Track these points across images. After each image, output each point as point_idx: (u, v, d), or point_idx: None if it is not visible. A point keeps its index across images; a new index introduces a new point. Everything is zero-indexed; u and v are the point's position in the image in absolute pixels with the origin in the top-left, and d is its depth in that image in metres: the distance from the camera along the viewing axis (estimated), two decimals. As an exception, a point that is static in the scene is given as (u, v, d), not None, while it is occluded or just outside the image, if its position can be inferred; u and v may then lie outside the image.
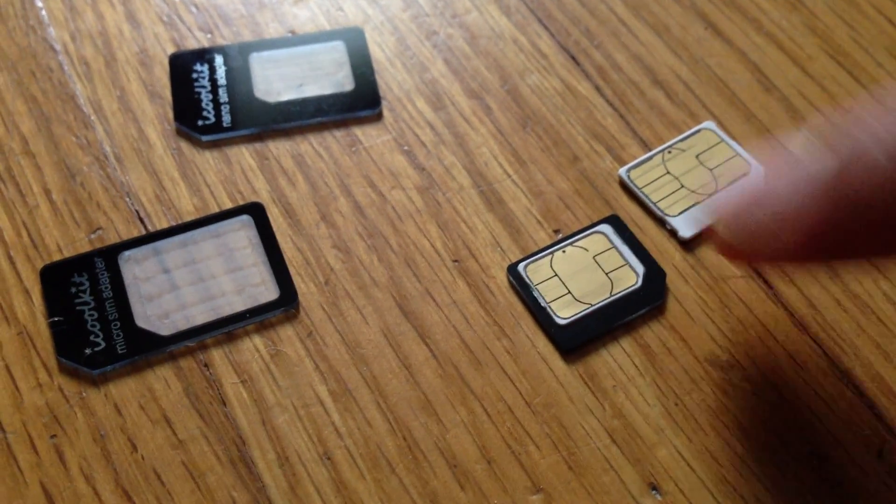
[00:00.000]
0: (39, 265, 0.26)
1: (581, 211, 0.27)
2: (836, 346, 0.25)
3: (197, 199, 0.27)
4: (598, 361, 0.25)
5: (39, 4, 0.31)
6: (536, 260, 0.26)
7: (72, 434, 0.23)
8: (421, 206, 0.27)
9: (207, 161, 0.28)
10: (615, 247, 0.26)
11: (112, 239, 0.26)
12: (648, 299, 0.25)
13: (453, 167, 0.28)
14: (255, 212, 0.27)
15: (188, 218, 0.27)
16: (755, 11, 0.31)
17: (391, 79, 0.30)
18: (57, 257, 0.26)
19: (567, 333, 0.25)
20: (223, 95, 0.29)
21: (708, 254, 0.26)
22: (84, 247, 0.26)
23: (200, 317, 0.25)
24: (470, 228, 0.27)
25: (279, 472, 0.23)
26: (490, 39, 0.31)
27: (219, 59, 0.30)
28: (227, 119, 0.28)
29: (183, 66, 0.30)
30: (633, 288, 0.25)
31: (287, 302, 0.25)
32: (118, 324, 0.25)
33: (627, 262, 0.26)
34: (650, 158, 0.28)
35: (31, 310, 0.25)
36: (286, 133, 0.29)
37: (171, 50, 0.30)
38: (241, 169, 0.28)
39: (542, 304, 0.25)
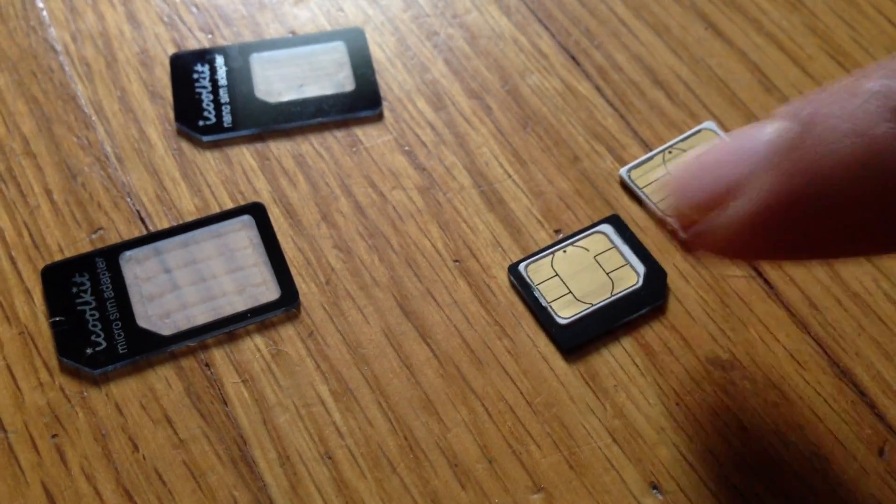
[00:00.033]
0: (41, 265, 0.26)
1: (582, 211, 0.27)
2: (837, 345, 0.25)
3: (198, 199, 0.27)
4: (599, 361, 0.25)
5: (40, 5, 0.31)
6: (537, 260, 0.26)
7: (73, 434, 0.23)
8: (422, 206, 0.27)
9: (208, 161, 0.28)
10: (616, 247, 0.26)
11: (113, 239, 0.26)
12: (649, 299, 0.25)
13: (454, 167, 0.28)
14: (256, 212, 0.27)
15: (189, 218, 0.27)
16: (755, 12, 0.31)
17: (392, 79, 0.30)
18: (58, 257, 0.26)
19: (568, 333, 0.25)
20: (224, 96, 0.29)
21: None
22: (85, 247, 0.26)
23: (201, 317, 0.25)
24: (471, 228, 0.27)
25: (280, 472, 0.23)
26: (490, 40, 0.31)
27: (219, 60, 0.30)
28: (227, 119, 0.28)
29: (184, 66, 0.30)
30: (633, 288, 0.25)
31: (288, 302, 0.25)
32: (119, 324, 0.25)
33: (628, 262, 0.26)
34: (651, 158, 0.28)
35: (33, 310, 0.25)
36: (287, 133, 0.29)
37: (171, 50, 0.30)
38: (242, 169, 0.28)
39: (543, 303, 0.25)
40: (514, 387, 0.24)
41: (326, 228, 0.27)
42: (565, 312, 0.25)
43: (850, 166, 0.16)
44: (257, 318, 0.25)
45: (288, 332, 0.25)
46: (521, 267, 0.26)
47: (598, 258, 0.26)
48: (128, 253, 0.26)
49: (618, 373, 0.24)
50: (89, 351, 0.24)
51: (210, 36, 0.31)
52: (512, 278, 0.26)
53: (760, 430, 0.23)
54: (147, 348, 0.24)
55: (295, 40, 0.30)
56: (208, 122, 0.28)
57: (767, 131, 0.18)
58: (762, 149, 0.18)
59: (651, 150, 0.28)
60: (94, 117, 0.29)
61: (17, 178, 0.27)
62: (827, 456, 0.23)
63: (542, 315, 0.25)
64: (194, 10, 0.31)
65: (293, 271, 0.26)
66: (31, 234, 0.26)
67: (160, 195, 0.27)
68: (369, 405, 0.24)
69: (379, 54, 0.30)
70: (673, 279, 0.26)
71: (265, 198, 0.27)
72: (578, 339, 0.25)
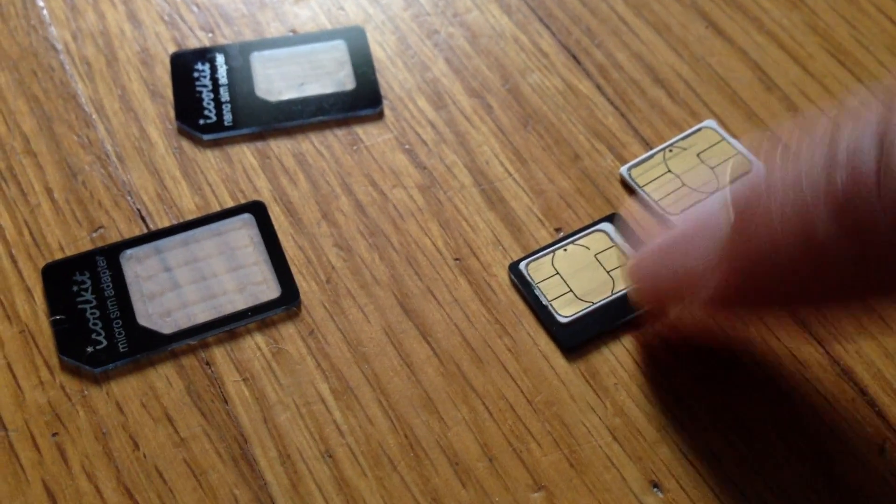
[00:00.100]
0: (41, 264, 0.26)
1: (582, 209, 0.27)
2: (838, 343, 0.25)
3: (198, 197, 0.27)
4: (599, 359, 0.25)
5: (41, 4, 0.31)
6: (538, 258, 0.26)
7: (74, 432, 0.23)
8: (422, 204, 0.27)
9: (209, 160, 0.28)
10: (616, 245, 0.26)
11: (113, 237, 0.26)
12: (650, 297, 0.25)
13: (454, 166, 0.28)
14: (257, 210, 0.27)
15: (189, 216, 0.27)
16: (756, 10, 0.31)
17: (392, 78, 0.30)
18: (58, 256, 0.26)
19: (568, 331, 0.25)
20: (224, 94, 0.29)
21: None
22: (86, 245, 0.26)
23: (202, 315, 0.25)
24: (471, 227, 0.27)
25: (281, 470, 0.23)
26: (491, 38, 0.31)
27: (220, 59, 0.30)
28: (228, 118, 0.28)
29: (184, 65, 0.30)
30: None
31: (288, 300, 0.25)
32: (120, 322, 0.25)
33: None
34: (651, 157, 0.28)
35: (33, 308, 0.25)
36: (287, 132, 0.29)
37: (172, 49, 0.30)
38: (243, 168, 0.28)
39: (544, 302, 0.25)
40: (515, 385, 0.24)
41: (327, 227, 0.27)
42: (566, 311, 0.25)
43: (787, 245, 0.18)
44: (258, 316, 0.25)
45: (288, 330, 0.25)
46: (522, 265, 0.26)
47: (598, 256, 0.26)
48: (128, 251, 0.26)
49: (618, 371, 0.24)
50: (90, 349, 0.24)
51: (211, 35, 0.31)
52: (512, 277, 0.26)
53: (761, 428, 0.23)
54: (148, 347, 0.24)
55: (295, 39, 0.30)
56: (209, 121, 0.28)
57: (716, 223, 0.20)
58: (712, 238, 0.20)
59: (652, 148, 0.28)
60: (94, 116, 0.29)
61: (18, 176, 0.27)
62: (827, 454, 0.23)
63: (542, 313, 0.25)
64: (195, 8, 0.31)
65: (294, 270, 0.26)
66: (31, 233, 0.26)
67: (161, 194, 0.27)
68: (370, 403, 0.24)
69: (379, 53, 0.30)
70: (673, 277, 0.26)
71: (266, 196, 0.27)
72: (579, 338, 0.25)
